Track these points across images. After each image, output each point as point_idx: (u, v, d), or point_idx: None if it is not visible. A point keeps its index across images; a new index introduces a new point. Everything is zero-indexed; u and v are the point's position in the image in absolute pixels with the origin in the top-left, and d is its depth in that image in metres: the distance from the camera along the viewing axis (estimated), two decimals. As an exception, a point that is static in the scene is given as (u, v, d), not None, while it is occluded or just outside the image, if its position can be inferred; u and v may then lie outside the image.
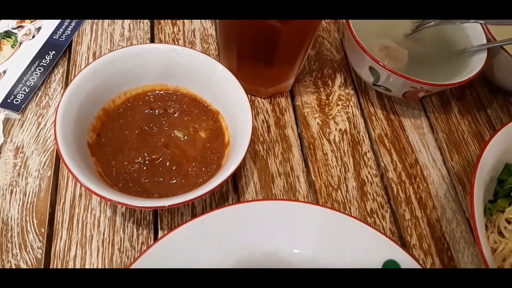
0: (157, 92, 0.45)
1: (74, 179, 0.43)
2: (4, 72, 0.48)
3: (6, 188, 0.42)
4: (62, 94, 0.38)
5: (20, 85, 0.47)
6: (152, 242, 0.40)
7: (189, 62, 0.42)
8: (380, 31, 0.51)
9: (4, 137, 0.45)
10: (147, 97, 0.44)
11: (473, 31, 0.51)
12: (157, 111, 0.44)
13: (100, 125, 0.42)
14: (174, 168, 0.41)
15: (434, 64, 0.50)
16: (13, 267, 0.39)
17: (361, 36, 0.47)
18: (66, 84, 0.49)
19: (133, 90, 0.44)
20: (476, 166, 0.39)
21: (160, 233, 0.42)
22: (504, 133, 0.42)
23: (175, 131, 0.43)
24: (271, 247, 0.38)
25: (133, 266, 0.33)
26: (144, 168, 0.41)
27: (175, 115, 0.44)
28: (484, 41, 0.50)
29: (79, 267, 0.39)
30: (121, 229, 0.41)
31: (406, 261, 0.37)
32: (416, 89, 0.46)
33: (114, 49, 0.51)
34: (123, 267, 0.40)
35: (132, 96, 0.44)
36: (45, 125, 0.46)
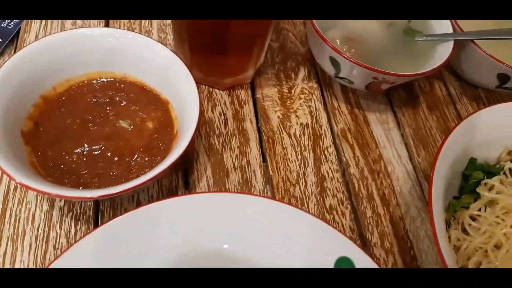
0: (103, 80, 0.42)
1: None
2: None
3: None
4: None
5: (-39, 73, 0.44)
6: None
7: (128, 45, 0.39)
8: (344, 22, 0.49)
9: None
10: (92, 85, 0.42)
11: (440, 22, 0.49)
12: (102, 99, 0.41)
13: (39, 113, 0.39)
14: (116, 159, 0.38)
15: (402, 56, 0.48)
16: None
17: (323, 28, 0.45)
18: (12, 74, 0.46)
19: (76, 77, 0.41)
20: (436, 156, 0.37)
21: (100, 229, 0.39)
22: (468, 123, 0.40)
23: (120, 121, 0.41)
24: (214, 242, 0.35)
25: (60, 259, 0.31)
26: (84, 159, 0.38)
27: (122, 104, 0.41)
28: (451, 31, 0.48)
29: (8, 265, 0.36)
30: (58, 225, 0.38)
31: (360, 258, 0.34)
32: (378, 80, 0.44)
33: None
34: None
35: (76, 84, 0.41)
36: (-15, 115, 0.44)
